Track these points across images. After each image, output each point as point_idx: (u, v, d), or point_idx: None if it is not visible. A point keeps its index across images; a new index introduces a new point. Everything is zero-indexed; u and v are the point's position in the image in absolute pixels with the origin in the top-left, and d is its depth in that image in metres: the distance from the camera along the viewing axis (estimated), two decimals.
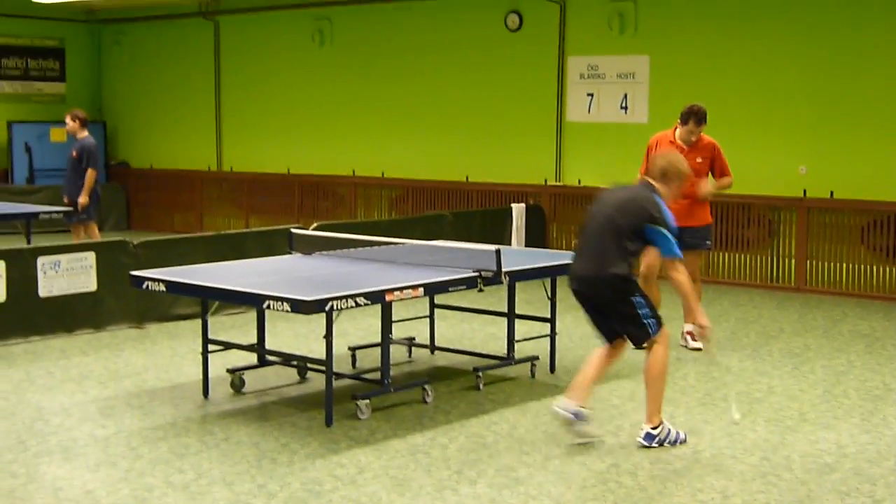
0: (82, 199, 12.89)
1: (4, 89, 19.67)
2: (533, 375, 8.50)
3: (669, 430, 6.75)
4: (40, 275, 9.86)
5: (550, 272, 8.51)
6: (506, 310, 8.55)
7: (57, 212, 13.12)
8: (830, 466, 6.41)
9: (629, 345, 6.86)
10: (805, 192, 13.03)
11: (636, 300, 6.68)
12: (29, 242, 12.66)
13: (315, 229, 10.70)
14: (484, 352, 9.01)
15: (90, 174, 12.95)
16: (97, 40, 20.85)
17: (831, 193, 12.88)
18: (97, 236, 12.93)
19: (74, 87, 20.54)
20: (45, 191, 17.86)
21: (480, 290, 7.73)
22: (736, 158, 13.49)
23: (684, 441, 6.76)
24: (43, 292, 9.88)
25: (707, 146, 9.61)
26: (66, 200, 13.22)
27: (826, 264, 12.94)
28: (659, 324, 6.73)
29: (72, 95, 20.37)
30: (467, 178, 15.89)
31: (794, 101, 13.25)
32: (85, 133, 13.24)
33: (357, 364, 8.78)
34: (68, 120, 13.31)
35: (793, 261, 13.14)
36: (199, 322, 8.30)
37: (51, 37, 20.24)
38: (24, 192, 17.91)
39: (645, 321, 6.67)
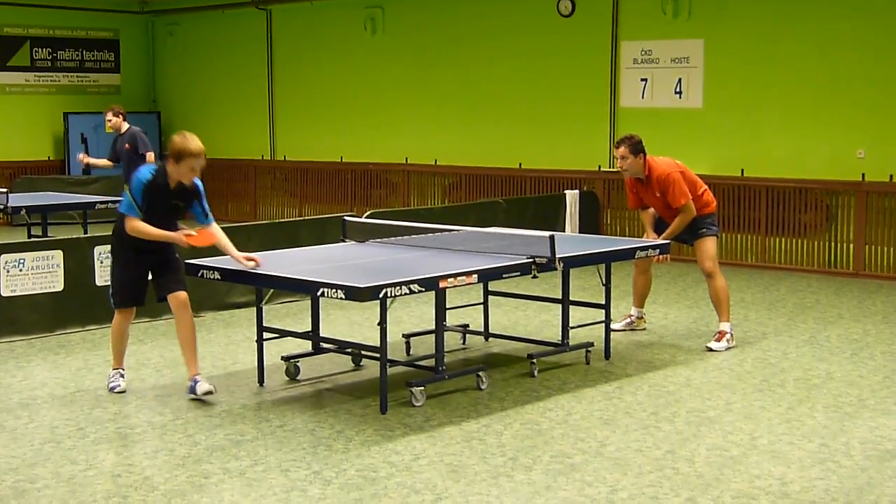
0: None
1: (60, 81, 19.91)
2: (588, 362, 8.46)
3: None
4: (97, 264, 9.96)
5: (605, 258, 8.46)
6: (560, 296, 8.48)
7: (113, 201, 13.15)
8: (891, 453, 6.32)
9: None
10: (863, 175, 12.84)
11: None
12: (86, 232, 12.79)
13: (368, 217, 10.71)
14: (538, 338, 8.98)
15: (151, 156, 12.90)
16: (151, 31, 21.04)
17: (891, 177, 12.69)
18: None
19: (129, 78, 20.75)
20: (101, 181, 18.01)
21: (534, 277, 7.70)
22: (793, 142, 13.50)
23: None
24: (100, 281, 9.96)
25: (656, 180, 9.03)
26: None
27: (885, 249, 12.76)
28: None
29: (126, 86, 20.59)
30: (520, 165, 15.84)
31: (851, 84, 13.06)
32: (126, 124, 13.21)
33: (411, 351, 8.78)
34: (111, 116, 13.15)
35: (851, 245, 12.97)
36: (253, 310, 8.35)
37: (105, 28, 20.45)
38: (80, 183, 18.09)
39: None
